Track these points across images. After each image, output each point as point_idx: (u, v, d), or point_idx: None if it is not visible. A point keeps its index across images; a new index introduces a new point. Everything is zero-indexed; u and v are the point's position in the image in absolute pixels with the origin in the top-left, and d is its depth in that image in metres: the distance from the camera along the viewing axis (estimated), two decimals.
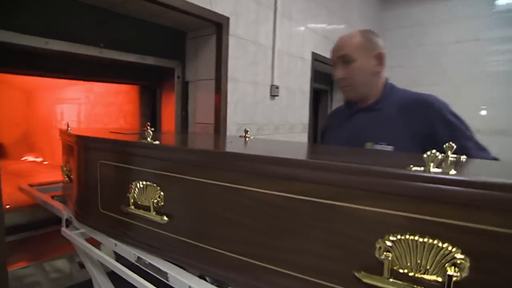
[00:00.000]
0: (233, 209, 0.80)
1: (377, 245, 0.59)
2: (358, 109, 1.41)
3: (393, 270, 0.58)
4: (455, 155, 0.71)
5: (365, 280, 0.60)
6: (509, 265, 0.50)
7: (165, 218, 0.93)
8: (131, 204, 1.00)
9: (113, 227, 1.10)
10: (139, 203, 0.99)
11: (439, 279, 0.55)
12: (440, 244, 0.54)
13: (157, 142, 0.96)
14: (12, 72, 2.02)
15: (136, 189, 0.99)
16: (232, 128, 2.43)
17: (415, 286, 0.56)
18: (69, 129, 1.45)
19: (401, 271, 0.58)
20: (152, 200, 0.95)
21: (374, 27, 4.57)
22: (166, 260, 0.97)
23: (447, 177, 0.53)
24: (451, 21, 4.36)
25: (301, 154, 0.99)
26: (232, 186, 0.79)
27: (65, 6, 1.77)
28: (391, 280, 0.58)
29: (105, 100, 3.23)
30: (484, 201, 0.51)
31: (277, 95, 2.84)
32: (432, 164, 0.56)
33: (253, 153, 0.80)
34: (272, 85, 2.78)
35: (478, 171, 0.74)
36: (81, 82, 3.43)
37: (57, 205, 1.58)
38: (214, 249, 0.84)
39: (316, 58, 3.42)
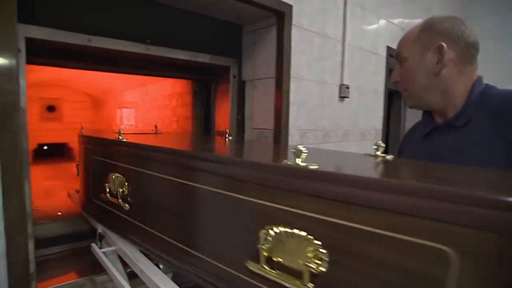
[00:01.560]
0: (166, 199, 0.96)
1: (258, 235, 0.64)
2: (435, 125, 1.00)
3: (270, 259, 0.63)
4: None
5: (250, 267, 0.67)
6: (361, 259, 0.52)
7: (127, 205, 1.11)
8: (106, 193, 1.18)
9: (99, 213, 1.32)
10: (113, 192, 1.16)
11: (308, 270, 0.57)
12: (306, 237, 0.57)
13: (125, 140, 1.14)
14: (57, 65, 1.90)
15: (111, 180, 1.17)
16: (294, 134, 2.08)
17: (289, 275, 0.60)
18: (82, 130, 1.58)
19: (276, 260, 0.62)
20: (119, 189, 1.12)
21: (459, 15, 3.89)
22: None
23: (298, 169, 0.59)
24: None
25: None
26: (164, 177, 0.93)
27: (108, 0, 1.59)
28: (267, 268, 0.63)
29: (159, 103, 3.10)
30: (331, 194, 0.54)
31: (347, 96, 2.42)
32: (299, 159, 0.60)
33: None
34: (341, 85, 2.38)
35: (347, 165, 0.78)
36: (138, 85, 3.36)
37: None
38: (155, 232, 0.98)
39: (392, 54, 2.93)
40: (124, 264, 1.22)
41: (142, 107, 3.43)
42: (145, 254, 1.09)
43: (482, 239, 0.40)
